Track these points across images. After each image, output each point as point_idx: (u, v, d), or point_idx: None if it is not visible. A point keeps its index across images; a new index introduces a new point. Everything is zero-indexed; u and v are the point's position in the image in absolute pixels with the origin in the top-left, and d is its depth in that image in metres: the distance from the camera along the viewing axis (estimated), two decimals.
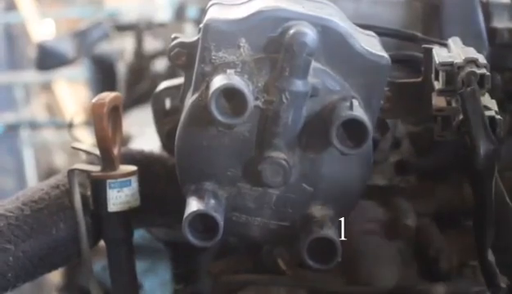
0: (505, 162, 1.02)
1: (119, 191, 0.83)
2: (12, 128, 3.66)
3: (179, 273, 1.16)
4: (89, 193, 0.85)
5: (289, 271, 0.96)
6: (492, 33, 0.97)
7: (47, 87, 3.82)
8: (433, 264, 0.97)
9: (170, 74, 1.58)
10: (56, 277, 1.82)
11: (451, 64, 0.73)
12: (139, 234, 1.11)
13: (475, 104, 0.69)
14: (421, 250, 0.99)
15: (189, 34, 0.78)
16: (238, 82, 0.68)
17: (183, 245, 0.76)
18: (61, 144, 3.47)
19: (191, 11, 2.17)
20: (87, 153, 0.88)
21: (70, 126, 1.73)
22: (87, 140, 2.01)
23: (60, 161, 3.46)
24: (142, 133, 1.45)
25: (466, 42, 0.81)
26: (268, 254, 0.97)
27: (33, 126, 3.71)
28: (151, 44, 2.10)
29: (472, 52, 0.75)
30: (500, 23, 0.97)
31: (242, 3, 0.74)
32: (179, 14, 2.22)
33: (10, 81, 3.74)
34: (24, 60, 3.66)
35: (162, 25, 2.18)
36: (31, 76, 3.43)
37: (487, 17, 0.98)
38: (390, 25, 0.90)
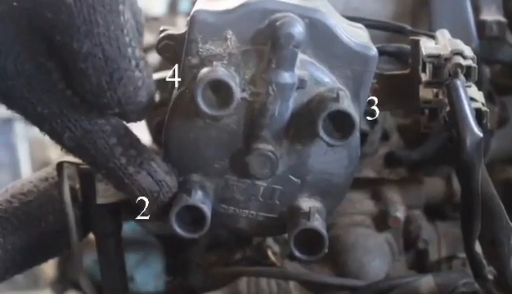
0: (496, 155, 1.03)
1: (107, 183, 0.83)
2: (7, 122, 3.65)
3: (170, 265, 1.16)
4: (78, 185, 0.85)
5: (278, 263, 0.96)
6: (481, 25, 0.97)
7: None
8: (421, 256, 0.98)
9: (163, 67, 1.57)
10: (50, 270, 1.82)
11: (438, 56, 0.73)
12: (130, 227, 1.11)
13: (461, 95, 0.69)
14: (410, 242, 0.99)
15: (181, 28, 0.78)
16: (224, 74, 0.68)
17: (174, 237, 0.76)
18: None
19: (185, 5, 2.17)
20: None
21: None
22: None
23: (55, 155, 3.45)
24: (134, 126, 1.44)
25: (455, 35, 0.81)
26: (258, 246, 0.97)
27: None
28: (144, 37, 2.09)
29: (459, 44, 0.75)
30: (488, 15, 0.97)
31: None
32: (172, 7, 2.22)
33: None
34: None
35: (155, 19, 2.18)
36: None
37: (476, 10, 0.98)
38: (380, 18, 0.90)
